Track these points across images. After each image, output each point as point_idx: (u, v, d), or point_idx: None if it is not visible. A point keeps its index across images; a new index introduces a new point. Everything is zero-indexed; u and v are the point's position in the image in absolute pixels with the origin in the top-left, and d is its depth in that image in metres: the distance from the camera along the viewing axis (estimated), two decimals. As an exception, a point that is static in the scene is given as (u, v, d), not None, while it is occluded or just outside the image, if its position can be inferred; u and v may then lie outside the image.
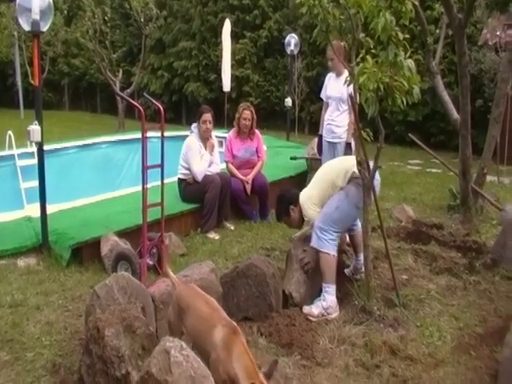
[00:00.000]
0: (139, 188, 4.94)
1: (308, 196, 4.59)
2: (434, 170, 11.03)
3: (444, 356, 3.71)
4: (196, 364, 2.65)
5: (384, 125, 4.31)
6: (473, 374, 3.50)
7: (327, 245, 4.34)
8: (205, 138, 6.62)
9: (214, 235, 6.29)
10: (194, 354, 2.73)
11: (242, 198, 6.96)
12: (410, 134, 8.57)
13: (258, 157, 7.24)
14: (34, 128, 5.23)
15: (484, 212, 7.19)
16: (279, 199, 4.87)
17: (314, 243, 4.42)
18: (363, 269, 4.54)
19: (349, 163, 4.52)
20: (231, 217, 6.88)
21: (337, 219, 4.38)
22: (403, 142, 12.95)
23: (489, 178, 8.66)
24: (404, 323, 4.09)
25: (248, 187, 6.97)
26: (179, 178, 6.64)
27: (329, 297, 4.28)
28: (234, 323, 3.04)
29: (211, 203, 6.37)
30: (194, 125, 6.65)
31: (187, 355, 2.67)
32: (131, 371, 2.96)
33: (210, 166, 6.61)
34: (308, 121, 17.31)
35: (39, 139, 5.29)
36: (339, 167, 4.61)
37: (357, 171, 4.29)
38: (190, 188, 6.54)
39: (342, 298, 4.43)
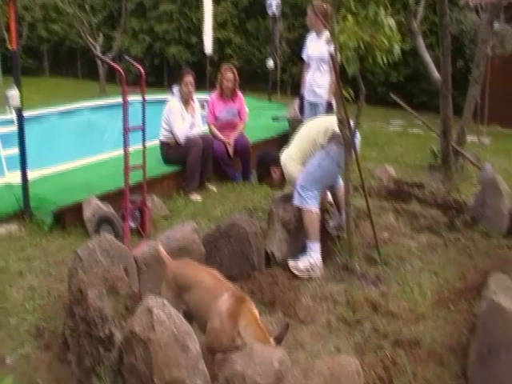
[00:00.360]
0: (121, 152, 4.90)
1: (289, 155, 4.60)
2: (415, 131, 11.08)
3: (424, 311, 3.78)
4: (179, 321, 2.67)
5: (366, 86, 4.30)
6: (452, 328, 3.58)
7: (309, 202, 4.38)
8: (187, 101, 6.57)
9: (196, 197, 6.31)
10: (177, 312, 2.75)
11: (225, 159, 6.97)
12: (391, 94, 8.55)
13: (240, 118, 7.23)
14: (13, 93, 5.13)
15: (464, 171, 7.29)
16: (260, 161, 4.87)
17: (296, 201, 4.45)
18: (346, 228, 4.57)
19: (329, 121, 4.53)
20: (213, 178, 6.91)
21: (318, 177, 4.43)
22: (385, 103, 12.92)
23: (469, 138, 8.73)
24: (385, 280, 4.16)
25: (230, 149, 6.98)
26: (161, 141, 6.61)
27: (314, 254, 4.34)
28: (241, 291, 2.98)
29: (193, 165, 6.37)
30: (176, 87, 6.59)
31: (170, 313, 2.69)
32: (115, 331, 2.97)
33: (191, 128, 6.57)
34: (290, 82, 17.16)
35: (18, 104, 5.19)
36: (320, 125, 4.63)
37: (337, 129, 4.31)
38: (172, 150, 6.52)
39: (325, 256, 4.46)
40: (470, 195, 6.21)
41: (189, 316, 3.05)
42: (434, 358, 3.21)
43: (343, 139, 4.29)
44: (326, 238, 4.71)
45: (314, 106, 6.49)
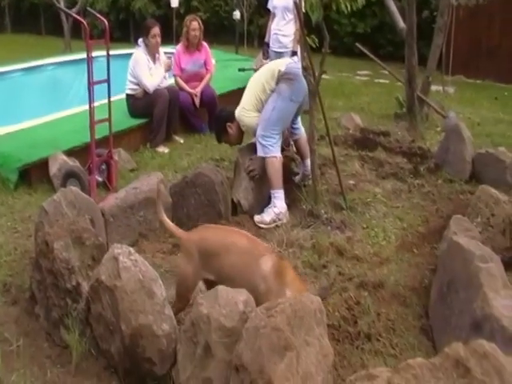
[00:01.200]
0: (87, 107, 4.82)
1: (242, 107, 4.60)
2: (382, 81, 11.11)
3: (388, 254, 3.87)
4: (144, 268, 2.68)
5: (333, 37, 4.31)
6: (415, 270, 3.68)
7: (272, 149, 4.41)
8: (153, 52, 6.48)
9: (163, 149, 6.31)
10: (143, 259, 2.76)
11: (191, 111, 6.97)
12: (357, 44, 8.52)
13: (207, 69, 7.19)
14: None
15: (429, 119, 7.39)
16: (215, 120, 4.87)
17: (260, 153, 4.47)
18: (311, 175, 4.62)
19: (275, 64, 4.60)
20: (180, 130, 6.90)
21: (275, 120, 4.42)
22: (352, 54, 12.90)
23: (434, 87, 8.83)
24: (351, 225, 4.24)
25: (197, 100, 6.97)
26: (127, 94, 6.56)
27: (278, 202, 4.36)
28: (277, 251, 2.87)
29: (160, 117, 6.35)
30: (141, 40, 6.52)
31: (135, 260, 2.70)
32: (81, 282, 2.97)
33: (162, 79, 6.53)
34: (257, 34, 16.95)
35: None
36: (266, 70, 4.63)
37: (283, 68, 4.38)
38: (139, 103, 6.47)
39: (290, 203, 4.51)
40: (435, 143, 6.32)
41: (212, 284, 2.82)
42: (397, 299, 3.31)
43: (308, 87, 4.31)
44: (291, 185, 4.75)
45: (279, 55, 6.47)
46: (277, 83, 4.46)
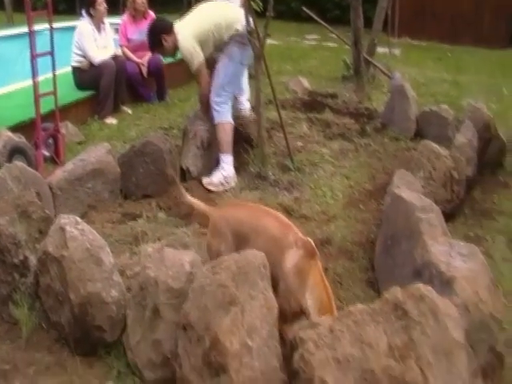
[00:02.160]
0: (31, 82, 4.70)
1: (190, 34, 4.43)
2: (330, 44, 11.13)
3: (336, 212, 3.95)
4: (92, 236, 2.67)
5: (279, 1, 4.31)
6: (361, 226, 3.77)
7: (225, 114, 4.46)
8: (98, 23, 6.33)
9: (111, 120, 6.23)
10: (90, 228, 2.75)
11: (139, 80, 6.89)
12: (303, 8, 8.49)
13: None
14: None
15: (375, 81, 7.51)
16: (151, 29, 4.64)
17: (216, 120, 4.48)
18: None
19: (235, 16, 4.50)
20: (128, 100, 6.80)
21: (227, 83, 4.48)
22: (299, 18, 12.80)
23: (380, 49, 8.92)
24: (298, 186, 4.29)
25: (144, 69, 6.87)
26: (73, 67, 6.41)
27: (227, 166, 4.39)
28: (311, 242, 2.49)
29: (107, 89, 6.25)
30: (84, 10, 6.34)
31: (82, 229, 2.68)
32: (29, 256, 2.93)
33: (105, 49, 6.41)
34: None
35: None
36: (225, 16, 4.54)
37: (240, 28, 4.34)
38: (85, 75, 6.34)
39: (239, 167, 4.55)
40: (381, 103, 6.40)
41: None
42: (344, 254, 3.39)
43: (252, 50, 4.32)
44: (239, 149, 4.76)
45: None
46: (229, 40, 4.45)
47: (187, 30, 4.43)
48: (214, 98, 4.43)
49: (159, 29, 4.55)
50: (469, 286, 2.26)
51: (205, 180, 4.37)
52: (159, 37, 4.50)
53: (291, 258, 2.43)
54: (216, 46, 4.49)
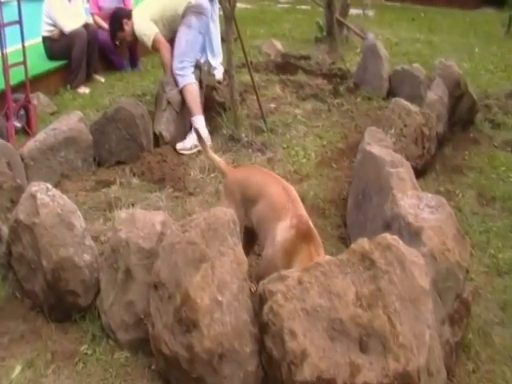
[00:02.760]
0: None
1: (146, 15, 4.70)
2: (303, 7, 11.04)
3: (308, 171, 3.98)
4: (62, 201, 2.65)
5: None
6: (333, 184, 3.81)
7: (188, 77, 4.54)
8: None
9: (84, 89, 6.14)
10: (61, 193, 2.72)
11: (111, 48, 6.71)
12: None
13: (125, 5, 6.90)
14: None
15: (349, 42, 7.51)
16: (112, 16, 5.00)
17: (179, 85, 4.54)
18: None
19: None
20: (101, 69, 6.72)
21: (187, 51, 4.60)
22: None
23: (355, 11, 8.89)
24: (271, 146, 4.30)
25: (116, 37, 6.73)
26: (43, 36, 6.26)
27: (200, 128, 4.38)
28: (310, 223, 2.38)
29: (79, 58, 6.14)
30: None
31: (53, 195, 2.65)
32: (1, 226, 2.92)
33: (74, 18, 6.26)
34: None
35: None
36: None
37: (193, 1, 4.50)
38: (56, 44, 6.20)
39: (212, 130, 4.54)
40: (354, 64, 6.38)
41: (252, 235, 2.66)
42: (316, 212, 3.41)
43: (223, 12, 4.39)
44: (212, 114, 4.74)
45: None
46: (185, 12, 4.56)
47: (142, 13, 4.74)
48: (177, 65, 4.55)
49: (120, 14, 4.93)
50: (436, 236, 2.29)
51: (178, 145, 4.38)
52: (121, 21, 4.83)
53: (281, 233, 2.33)
54: (172, 25, 4.66)
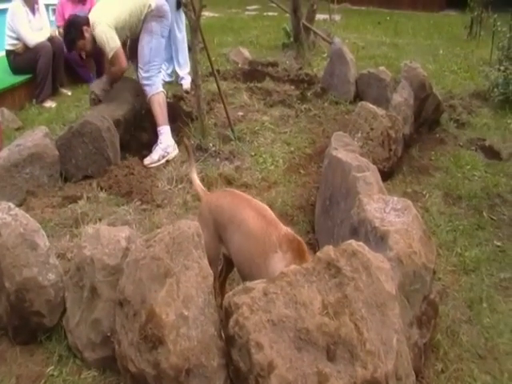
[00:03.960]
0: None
1: (106, 21, 4.36)
2: (270, 13, 11.10)
3: (276, 178, 3.97)
4: (25, 221, 2.59)
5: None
6: (301, 190, 3.80)
7: (156, 85, 4.50)
8: (32, 4, 6.14)
9: (50, 104, 6.10)
10: (24, 212, 2.66)
11: (77, 61, 6.74)
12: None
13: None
14: None
15: (316, 47, 7.55)
16: (69, 23, 4.50)
17: (149, 93, 4.48)
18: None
19: None
20: (67, 82, 6.68)
21: (153, 57, 4.50)
22: (240, -10, 12.77)
23: (322, 16, 8.94)
24: (239, 155, 4.29)
25: (82, 50, 6.67)
26: (7, 50, 6.22)
27: (165, 137, 4.38)
28: (299, 238, 2.28)
29: (44, 71, 6.10)
30: None
31: (16, 214, 2.59)
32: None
33: (38, 31, 6.19)
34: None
35: None
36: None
37: (153, 5, 4.39)
38: (20, 58, 6.16)
39: (179, 141, 4.49)
40: (321, 69, 6.42)
41: (230, 261, 2.56)
42: (285, 218, 3.37)
43: (189, 22, 4.42)
44: (179, 124, 4.71)
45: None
46: (146, 17, 4.45)
47: (101, 18, 4.36)
48: (143, 75, 4.48)
49: (78, 21, 4.44)
50: (402, 239, 2.29)
51: (146, 161, 4.32)
52: (81, 28, 4.39)
53: (276, 265, 2.17)
54: (132, 30, 4.50)
